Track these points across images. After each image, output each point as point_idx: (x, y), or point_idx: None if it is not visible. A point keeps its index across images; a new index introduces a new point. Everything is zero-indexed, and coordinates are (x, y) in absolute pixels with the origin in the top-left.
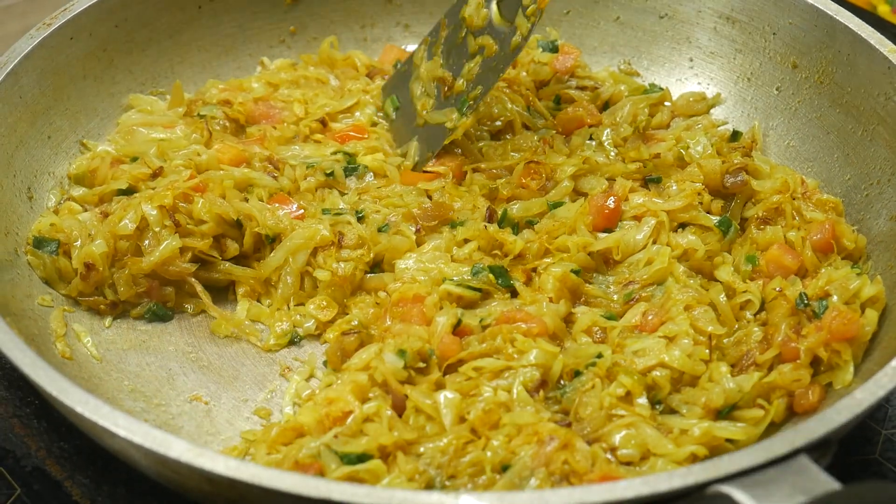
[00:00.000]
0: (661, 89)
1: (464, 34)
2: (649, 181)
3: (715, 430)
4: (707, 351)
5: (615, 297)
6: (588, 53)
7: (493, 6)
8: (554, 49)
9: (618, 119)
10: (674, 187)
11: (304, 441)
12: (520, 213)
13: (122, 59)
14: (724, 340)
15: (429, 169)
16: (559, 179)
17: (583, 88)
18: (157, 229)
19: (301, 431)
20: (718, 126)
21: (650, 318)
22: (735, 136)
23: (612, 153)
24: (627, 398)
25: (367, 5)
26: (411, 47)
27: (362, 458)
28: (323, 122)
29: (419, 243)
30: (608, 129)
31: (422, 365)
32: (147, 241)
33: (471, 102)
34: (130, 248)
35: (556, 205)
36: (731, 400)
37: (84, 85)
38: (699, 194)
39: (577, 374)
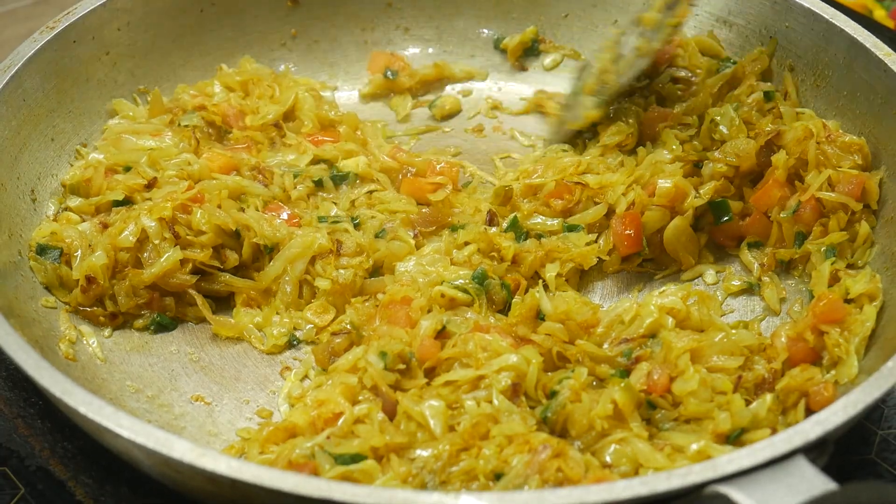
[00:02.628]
0: (735, 62)
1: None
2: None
3: (710, 451)
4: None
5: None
6: (588, 56)
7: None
8: None
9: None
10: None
11: (297, 441)
12: (534, 226)
13: (124, 63)
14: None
15: (430, 180)
16: (600, 200)
17: (676, 81)
18: (156, 242)
19: (293, 432)
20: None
21: (656, 377)
22: (767, 96)
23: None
24: (618, 415)
25: (368, 9)
26: (412, 50)
27: (356, 458)
28: (277, 126)
29: (418, 247)
30: (674, 130)
31: (402, 367)
32: (147, 254)
33: (603, 96)
34: (131, 260)
35: (572, 228)
36: (739, 424)
37: (87, 88)
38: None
39: (554, 393)
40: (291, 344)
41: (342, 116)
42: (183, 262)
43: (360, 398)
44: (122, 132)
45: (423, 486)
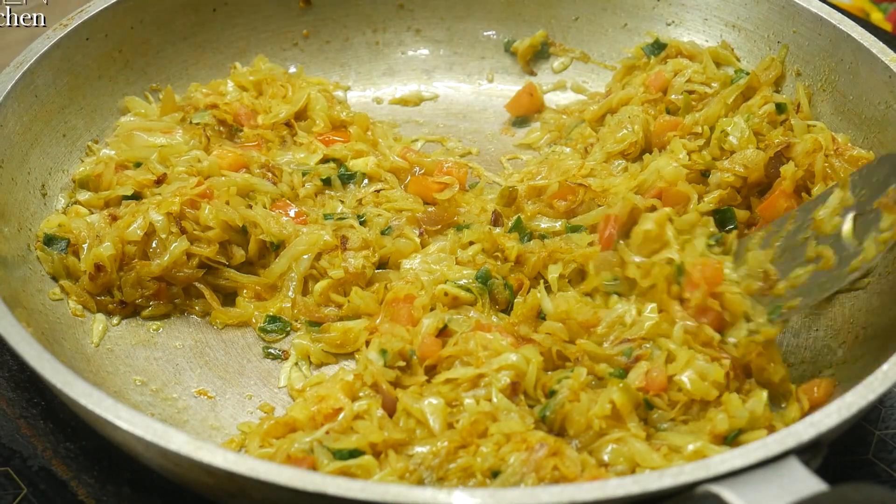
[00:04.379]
0: (748, 74)
1: (807, 236)
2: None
3: (707, 451)
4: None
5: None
6: (597, 59)
7: (849, 219)
8: (661, 48)
9: (695, 127)
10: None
11: (297, 436)
12: (538, 227)
13: (137, 60)
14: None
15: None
16: (602, 203)
17: (691, 92)
18: (163, 236)
19: (292, 426)
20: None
21: (655, 374)
22: (780, 108)
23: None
24: (616, 415)
25: (380, 10)
26: (422, 51)
27: (354, 453)
28: (289, 125)
29: (423, 245)
30: (683, 140)
31: (402, 364)
32: (154, 245)
33: (784, 311)
34: (137, 254)
35: (575, 228)
36: (737, 426)
37: (99, 85)
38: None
39: (552, 392)
40: (286, 331)
41: (353, 117)
42: (189, 256)
43: (361, 394)
44: (134, 129)
45: (420, 483)
